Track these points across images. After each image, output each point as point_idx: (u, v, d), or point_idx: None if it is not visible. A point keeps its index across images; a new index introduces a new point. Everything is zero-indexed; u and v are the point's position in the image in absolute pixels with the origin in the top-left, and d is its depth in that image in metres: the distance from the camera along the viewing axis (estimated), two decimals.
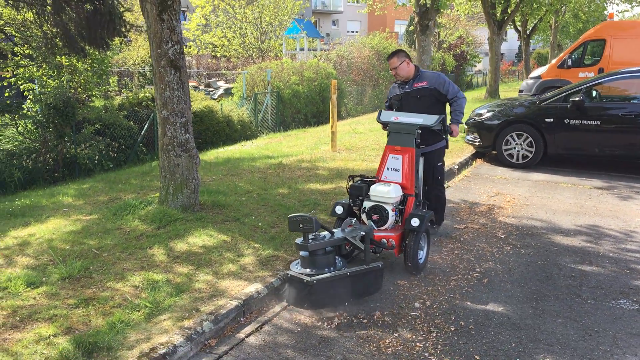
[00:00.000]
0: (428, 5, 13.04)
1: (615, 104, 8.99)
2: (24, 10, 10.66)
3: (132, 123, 12.12)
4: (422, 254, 4.85)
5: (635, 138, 8.58)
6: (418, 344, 3.70)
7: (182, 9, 36.40)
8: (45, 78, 12.33)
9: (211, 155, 10.57)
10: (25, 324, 3.65)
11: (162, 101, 5.83)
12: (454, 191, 7.80)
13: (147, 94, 13.43)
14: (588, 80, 9.51)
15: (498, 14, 21.15)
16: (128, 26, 10.16)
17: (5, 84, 12.77)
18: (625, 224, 6.32)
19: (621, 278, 4.81)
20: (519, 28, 30.29)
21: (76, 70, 12.37)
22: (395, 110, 5.48)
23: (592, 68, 15.97)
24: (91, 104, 12.84)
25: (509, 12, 21.08)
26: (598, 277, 4.82)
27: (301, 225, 3.98)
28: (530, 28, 29.98)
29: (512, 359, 3.53)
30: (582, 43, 16.47)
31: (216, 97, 19.71)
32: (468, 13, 25.95)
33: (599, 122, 8.74)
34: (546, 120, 9.08)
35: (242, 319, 4.01)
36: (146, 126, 11.95)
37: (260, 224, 5.73)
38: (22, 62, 12.52)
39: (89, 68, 12.50)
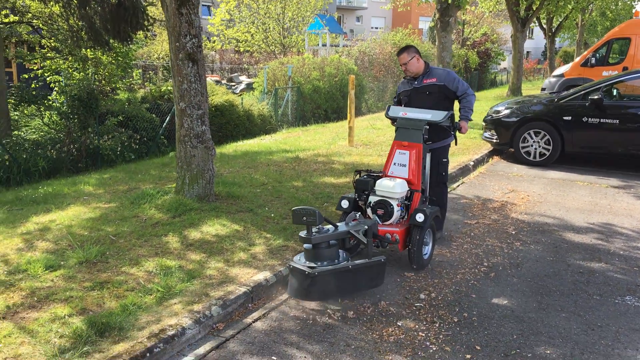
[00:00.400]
0: (449, 2, 13.02)
1: (636, 103, 8.90)
2: (51, 3, 10.95)
3: (154, 115, 12.35)
4: (426, 250, 4.87)
5: None
6: (420, 333, 3.78)
7: (207, 4, 36.78)
8: (71, 70, 12.63)
9: (230, 148, 10.72)
10: (42, 304, 3.82)
11: (180, 93, 5.97)
12: (468, 187, 7.83)
13: (169, 87, 13.64)
14: (608, 78, 9.44)
15: (522, 11, 20.96)
16: (151, 20, 10.38)
17: (32, 75, 13.11)
18: (639, 223, 6.29)
19: (630, 275, 4.82)
20: (544, 26, 29.92)
21: (101, 63, 12.65)
22: (404, 106, 5.48)
23: (617, 67, 15.77)
24: (115, 97, 13.12)
25: (534, 9, 20.86)
26: (606, 274, 4.83)
27: (305, 218, 4.00)
28: (556, 26, 29.58)
29: (512, 349, 3.59)
30: (607, 41, 16.27)
31: (238, 91, 19.90)
32: (492, 10, 25.75)
33: (618, 121, 8.67)
34: (564, 118, 9.03)
35: (250, 305, 4.13)
36: (168, 119, 12.16)
37: (272, 215, 5.85)
38: (49, 55, 12.85)
39: (113, 61, 12.77)
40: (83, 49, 11.78)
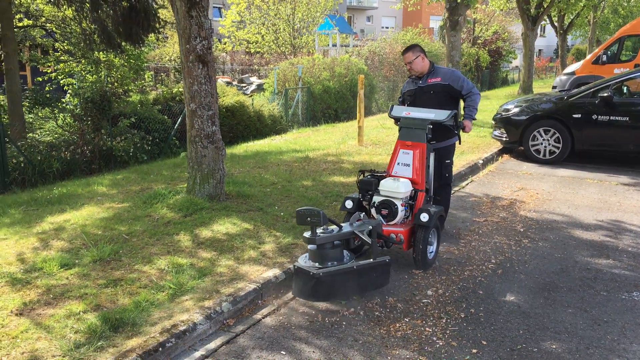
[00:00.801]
0: (458, 1, 13.03)
1: None
2: (64, 7, 11.11)
3: (165, 117, 12.48)
4: (431, 249, 4.87)
5: None
6: (427, 328, 3.84)
7: (218, 5, 36.99)
8: (84, 73, 12.79)
9: (240, 148, 10.82)
10: (57, 301, 3.92)
11: (190, 94, 6.07)
12: (477, 185, 7.86)
13: (180, 89, 13.77)
14: (618, 75, 9.42)
15: (532, 10, 20.87)
16: (163, 23, 10.50)
17: (46, 78, 13.30)
18: None
19: (637, 272, 4.83)
20: (555, 24, 29.76)
21: (113, 65, 12.81)
22: (408, 106, 5.48)
23: (628, 64, 15.69)
24: (127, 99, 13.27)
25: (544, 7, 20.78)
26: (613, 271, 4.86)
27: (309, 219, 4.03)
28: (567, 24, 29.41)
29: (518, 344, 3.64)
30: (618, 39, 16.20)
31: (249, 92, 20.03)
32: (503, 8, 25.65)
33: (628, 118, 8.66)
34: (574, 116, 9.02)
35: (259, 302, 4.21)
36: (179, 120, 12.29)
37: (282, 213, 5.92)
38: (62, 58, 13.03)
39: (125, 63, 12.92)
40: (96, 52, 11.94)
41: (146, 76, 15.88)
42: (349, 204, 4.93)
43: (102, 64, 12.63)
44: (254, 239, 5.18)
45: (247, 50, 30.79)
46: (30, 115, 11.98)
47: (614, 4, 30.57)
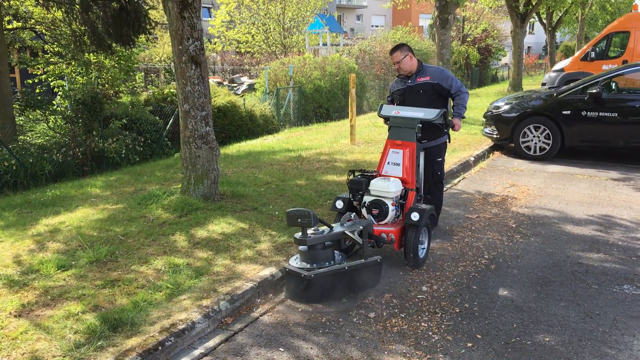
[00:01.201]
0: (447, 0, 13.11)
1: (634, 96, 8.99)
2: (54, 9, 11.08)
3: (157, 118, 12.48)
4: (422, 248, 4.90)
5: None
6: (423, 323, 3.89)
7: (208, 5, 36.91)
8: (74, 75, 12.76)
9: (233, 148, 10.84)
10: (55, 302, 3.95)
11: (184, 95, 6.09)
12: (469, 182, 7.93)
13: (172, 90, 13.78)
14: (607, 72, 9.53)
15: (521, 7, 21.02)
16: (153, 24, 10.49)
17: (36, 80, 13.25)
18: (638, 214, 6.38)
19: (628, 265, 4.92)
20: (544, 21, 29.96)
21: (104, 67, 12.78)
22: (397, 105, 5.48)
23: (616, 60, 15.83)
24: (118, 100, 13.24)
25: (532, 4, 20.92)
26: (604, 264, 4.94)
27: (299, 220, 4.03)
28: (556, 21, 29.62)
29: (512, 338, 3.70)
30: (606, 35, 16.34)
31: (240, 92, 20.02)
32: (492, 6, 25.79)
33: (617, 114, 8.77)
34: (563, 112, 9.13)
35: (257, 300, 4.25)
36: (171, 121, 12.29)
37: (277, 212, 5.96)
38: (52, 60, 12.97)
39: (115, 65, 12.89)
40: (86, 54, 11.91)
41: (137, 77, 15.85)
42: (339, 204, 4.94)
43: (93, 66, 12.60)
44: (250, 238, 5.22)
45: (237, 50, 30.75)
46: (21, 118, 11.94)
47: (601, 1, 30.80)
